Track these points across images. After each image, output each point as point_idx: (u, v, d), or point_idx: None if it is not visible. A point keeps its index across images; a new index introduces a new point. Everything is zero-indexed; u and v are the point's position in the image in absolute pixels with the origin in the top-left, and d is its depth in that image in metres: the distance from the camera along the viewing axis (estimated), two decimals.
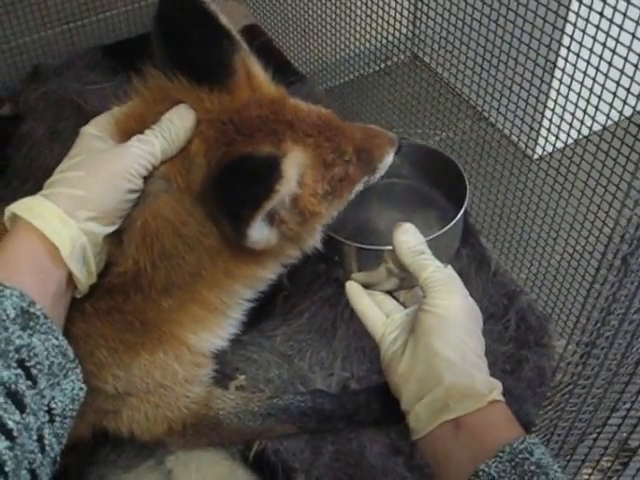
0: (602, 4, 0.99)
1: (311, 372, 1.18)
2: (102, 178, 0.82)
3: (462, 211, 1.09)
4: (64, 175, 0.83)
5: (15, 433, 0.63)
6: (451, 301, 0.90)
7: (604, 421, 0.76)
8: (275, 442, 1.09)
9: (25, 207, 0.79)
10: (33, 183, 1.46)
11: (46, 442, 0.68)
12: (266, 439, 1.09)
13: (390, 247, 0.98)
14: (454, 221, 1.07)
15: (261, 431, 1.07)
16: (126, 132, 0.88)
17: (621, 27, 0.95)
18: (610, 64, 1.03)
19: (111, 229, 0.84)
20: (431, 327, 0.89)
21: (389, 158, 1.04)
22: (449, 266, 0.96)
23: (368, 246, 1.05)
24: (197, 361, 1.00)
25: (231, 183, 0.82)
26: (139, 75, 0.93)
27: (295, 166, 0.87)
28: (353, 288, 1.05)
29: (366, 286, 1.06)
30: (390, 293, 1.06)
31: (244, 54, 0.95)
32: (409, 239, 0.96)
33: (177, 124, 0.87)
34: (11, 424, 0.63)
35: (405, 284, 1.04)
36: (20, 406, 0.65)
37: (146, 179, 0.86)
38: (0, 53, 1.65)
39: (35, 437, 0.67)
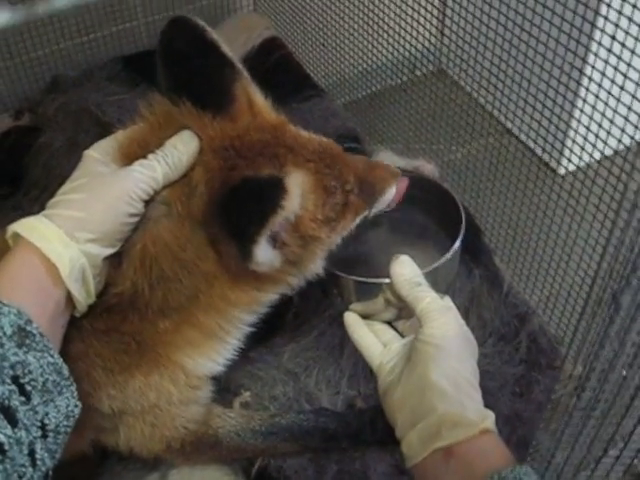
0: (628, 22, 1.00)
1: (317, 390, 1.18)
2: (103, 201, 0.83)
3: (458, 243, 1.09)
4: (66, 197, 0.84)
5: (6, 447, 0.64)
6: (446, 331, 0.90)
7: (602, 453, 0.75)
8: (278, 459, 1.09)
9: (27, 227, 0.80)
10: (50, 193, 1.47)
11: (37, 457, 0.69)
12: (269, 457, 1.08)
13: (387, 280, 0.98)
14: (450, 253, 1.07)
15: (263, 449, 1.07)
16: (129, 156, 0.89)
17: None
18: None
19: (111, 251, 0.85)
20: (426, 357, 0.89)
21: (391, 192, 1.04)
22: (446, 297, 0.97)
23: (366, 279, 1.06)
24: (193, 384, 1.00)
25: (236, 204, 0.83)
26: (145, 100, 0.95)
27: (298, 185, 0.88)
28: (351, 318, 1.06)
29: (365, 316, 1.06)
30: (389, 323, 1.06)
31: (245, 82, 0.96)
32: (405, 271, 0.96)
33: (180, 149, 0.88)
34: (2, 438, 0.64)
35: (404, 314, 1.04)
36: (12, 421, 0.66)
37: (147, 203, 0.87)
38: (20, 64, 1.67)
39: (26, 451, 0.67)
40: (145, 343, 0.93)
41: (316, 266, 1.00)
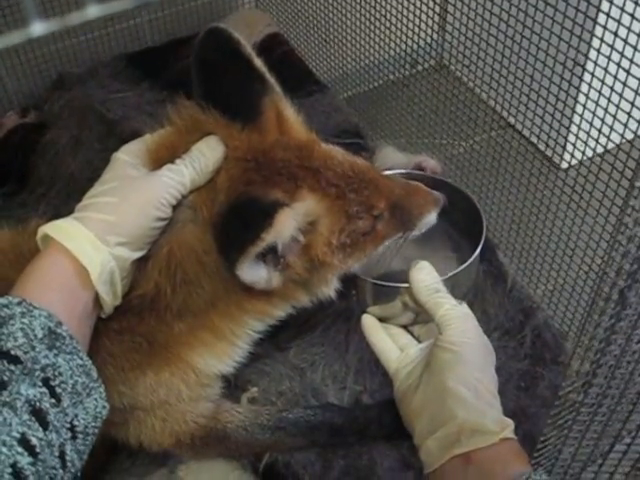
0: (634, 5, 0.98)
1: (323, 385, 1.18)
2: (133, 206, 0.84)
3: (478, 250, 1.09)
4: (97, 200, 0.85)
5: (38, 449, 0.65)
6: (465, 338, 0.90)
7: (609, 448, 0.76)
8: (286, 454, 1.09)
9: (58, 229, 0.81)
10: (57, 191, 1.49)
11: (67, 458, 0.70)
12: (276, 452, 1.09)
13: (406, 285, 0.99)
14: (470, 260, 1.07)
15: (270, 444, 1.08)
16: (157, 160, 0.91)
17: None
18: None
19: (139, 254, 0.86)
20: (445, 364, 0.89)
21: (430, 217, 1.02)
22: (464, 303, 0.97)
23: (384, 282, 1.06)
24: (203, 382, 1.02)
25: (229, 224, 0.84)
26: (174, 105, 0.96)
27: (296, 216, 0.88)
28: (368, 321, 1.06)
29: (382, 320, 1.07)
30: (405, 327, 1.07)
31: (276, 97, 0.96)
32: (425, 277, 0.97)
33: (207, 155, 0.89)
34: (34, 440, 0.66)
35: (420, 319, 1.04)
36: (44, 423, 0.68)
37: (174, 207, 0.88)
38: (26, 61, 1.67)
39: (57, 453, 0.69)
40: (158, 343, 0.94)
41: (328, 289, 1.00)
